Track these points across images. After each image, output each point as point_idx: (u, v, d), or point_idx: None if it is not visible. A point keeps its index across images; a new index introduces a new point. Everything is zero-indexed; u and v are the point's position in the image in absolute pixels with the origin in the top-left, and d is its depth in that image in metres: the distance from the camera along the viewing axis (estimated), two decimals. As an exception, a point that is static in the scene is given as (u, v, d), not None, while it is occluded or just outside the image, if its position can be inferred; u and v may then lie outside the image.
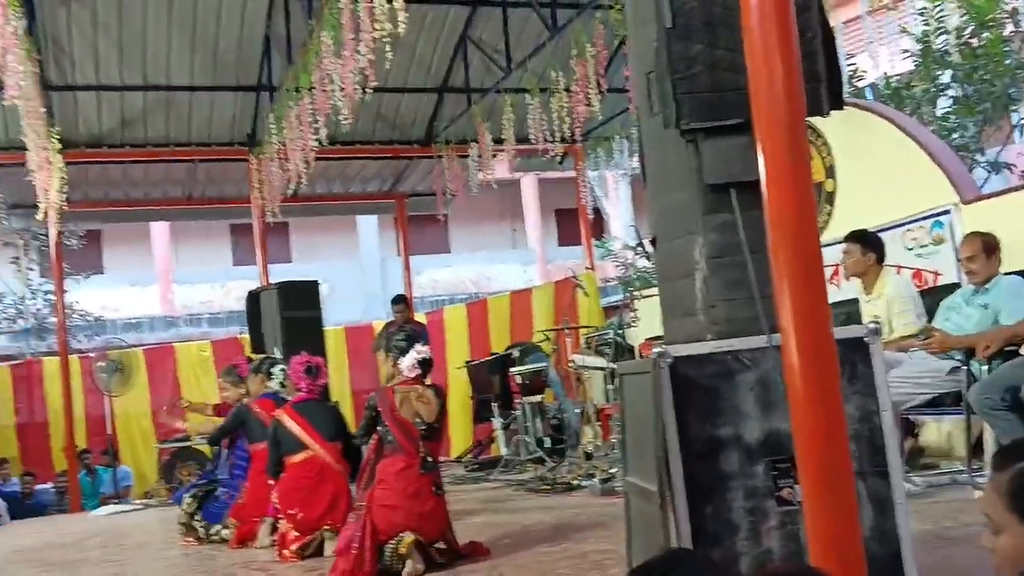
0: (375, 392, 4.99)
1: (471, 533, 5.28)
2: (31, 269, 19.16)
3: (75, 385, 11.27)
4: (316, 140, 8.28)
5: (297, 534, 5.49)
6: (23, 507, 11.00)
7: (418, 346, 4.95)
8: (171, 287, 24.22)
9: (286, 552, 5.47)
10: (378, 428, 4.88)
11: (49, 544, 7.61)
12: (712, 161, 2.93)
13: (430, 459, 4.80)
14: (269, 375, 6.55)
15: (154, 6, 9.35)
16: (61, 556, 6.89)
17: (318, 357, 6.09)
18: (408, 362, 4.92)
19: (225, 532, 6.34)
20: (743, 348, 2.82)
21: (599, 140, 12.07)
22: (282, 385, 6.47)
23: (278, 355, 7.90)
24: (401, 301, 10.67)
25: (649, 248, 3.60)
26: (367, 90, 7.16)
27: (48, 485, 11.68)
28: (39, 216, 9.42)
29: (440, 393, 5.02)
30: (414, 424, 4.80)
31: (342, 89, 7.17)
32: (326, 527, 5.46)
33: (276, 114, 9.19)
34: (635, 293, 8.55)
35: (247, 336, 10.03)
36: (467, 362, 11.03)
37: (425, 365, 4.98)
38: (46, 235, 13.10)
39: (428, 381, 5.05)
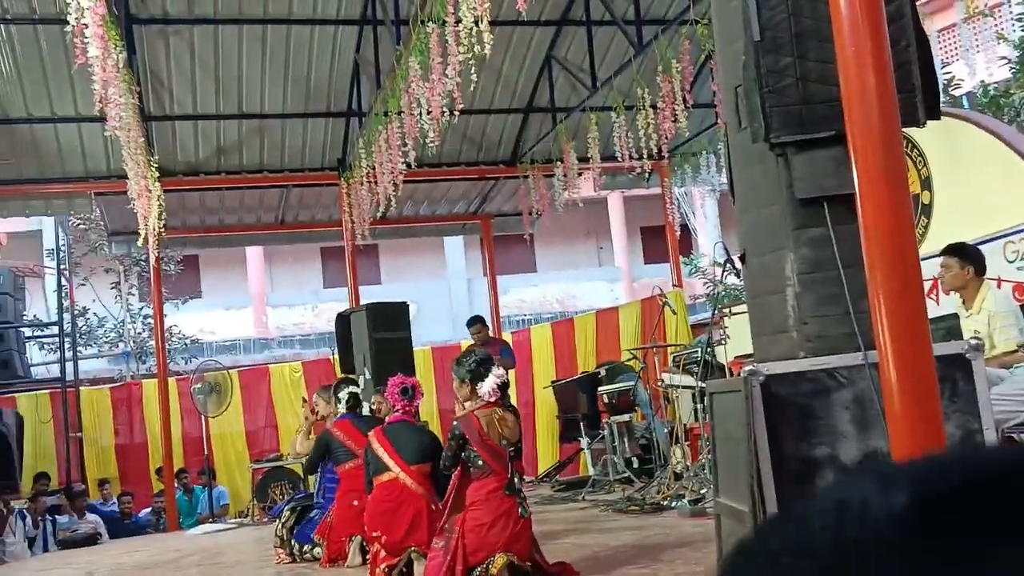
0: (457, 421, 5.01)
1: (560, 554, 5.25)
2: (131, 294, 19.76)
3: (173, 406, 11.57)
4: (404, 163, 8.39)
5: (386, 554, 5.56)
6: (122, 527, 11.31)
7: (496, 370, 4.98)
8: (265, 310, 24.79)
9: (378, 571, 5.54)
10: (462, 454, 4.91)
11: (148, 562, 7.82)
12: (803, 175, 2.88)
13: (516, 480, 4.83)
14: (339, 398, 6.72)
15: (248, 37, 9.61)
16: (161, 574, 7.09)
17: (413, 378, 6.17)
18: (488, 387, 4.94)
19: (316, 551, 6.44)
20: (838, 365, 2.76)
21: (686, 156, 11.98)
22: (349, 407, 6.66)
23: (367, 375, 8.03)
24: (477, 322, 10.39)
25: (738, 264, 3.55)
26: (454, 112, 7.23)
27: (147, 511, 11.96)
28: (139, 242, 9.71)
29: (516, 413, 5.06)
30: (502, 446, 4.83)
31: (429, 112, 7.24)
32: (412, 548, 5.51)
33: (366, 139, 9.34)
34: (724, 310, 8.41)
35: (338, 357, 10.18)
36: (553, 381, 10.99)
37: (504, 388, 5.02)
38: (146, 261, 13.55)
39: (509, 401, 5.10)
